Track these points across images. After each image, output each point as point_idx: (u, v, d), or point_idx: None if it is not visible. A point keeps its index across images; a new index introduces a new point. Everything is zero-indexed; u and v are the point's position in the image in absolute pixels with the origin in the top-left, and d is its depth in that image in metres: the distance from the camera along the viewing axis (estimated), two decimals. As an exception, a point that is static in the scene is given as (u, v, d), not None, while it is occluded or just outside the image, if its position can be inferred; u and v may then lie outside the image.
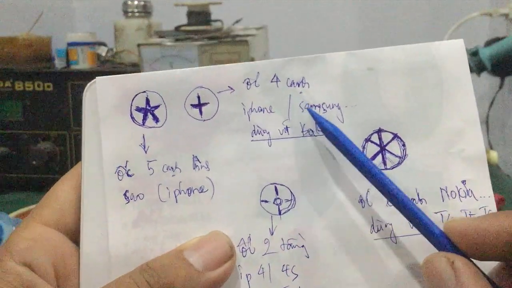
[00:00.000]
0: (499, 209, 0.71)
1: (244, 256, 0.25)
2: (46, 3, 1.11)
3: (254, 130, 0.25)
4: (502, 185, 0.78)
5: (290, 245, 0.25)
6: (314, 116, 0.25)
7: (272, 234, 0.25)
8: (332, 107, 0.25)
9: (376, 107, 0.25)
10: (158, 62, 0.78)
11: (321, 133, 0.25)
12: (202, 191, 0.25)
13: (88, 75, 0.82)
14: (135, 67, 0.83)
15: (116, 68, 0.85)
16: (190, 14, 0.83)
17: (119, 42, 0.93)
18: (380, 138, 0.25)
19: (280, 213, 0.25)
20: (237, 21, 0.89)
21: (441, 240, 0.22)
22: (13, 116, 0.83)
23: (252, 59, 0.78)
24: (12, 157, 0.83)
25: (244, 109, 0.25)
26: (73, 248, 0.25)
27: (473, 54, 0.86)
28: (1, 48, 0.85)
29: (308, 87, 0.25)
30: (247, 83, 0.25)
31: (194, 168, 0.25)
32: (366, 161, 0.23)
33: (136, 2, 0.94)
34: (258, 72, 0.25)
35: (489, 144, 1.05)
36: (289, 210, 0.25)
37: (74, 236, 0.25)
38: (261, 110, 0.25)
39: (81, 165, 0.26)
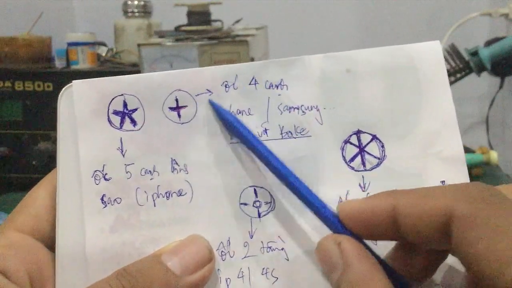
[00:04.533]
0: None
1: (223, 260, 0.24)
2: (46, 3, 1.11)
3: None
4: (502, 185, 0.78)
5: (270, 248, 0.25)
6: (214, 106, 0.25)
7: (251, 237, 0.25)
8: (311, 109, 0.25)
9: (355, 109, 0.25)
10: (158, 62, 0.78)
11: (300, 135, 0.25)
12: (180, 195, 0.25)
13: (88, 75, 0.82)
14: (135, 67, 0.83)
15: (116, 68, 0.85)
16: (190, 14, 0.83)
17: (119, 42, 0.93)
18: (359, 140, 0.25)
19: (259, 216, 0.25)
20: (237, 21, 0.89)
21: (333, 223, 0.22)
22: (13, 116, 0.83)
23: (252, 59, 0.78)
24: (12, 157, 0.83)
25: None
26: (49, 255, 0.25)
27: (473, 54, 0.86)
28: (1, 48, 0.85)
29: (287, 89, 0.25)
30: (226, 86, 0.25)
31: (172, 171, 0.25)
32: (262, 149, 0.24)
33: (136, 2, 0.94)
34: (236, 75, 0.25)
35: (489, 144, 1.04)
36: (268, 212, 0.25)
37: (50, 243, 0.25)
38: (240, 112, 0.25)
39: (56, 172, 0.25)
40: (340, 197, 0.25)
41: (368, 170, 0.25)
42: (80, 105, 0.25)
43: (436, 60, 0.25)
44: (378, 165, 0.25)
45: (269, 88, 0.25)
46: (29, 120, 0.83)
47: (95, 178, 0.24)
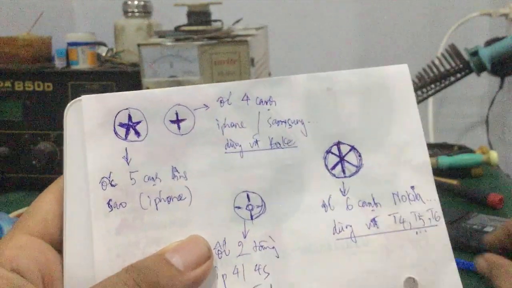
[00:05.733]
0: (499, 209, 0.71)
1: (220, 258, 0.27)
2: (46, 3, 1.11)
3: (227, 143, 0.28)
4: (502, 185, 0.78)
5: (262, 246, 0.27)
6: None
7: (245, 237, 0.27)
8: (297, 123, 0.28)
9: (335, 123, 0.28)
10: (158, 62, 0.78)
11: (287, 146, 0.28)
12: (180, 199, 0.27)
13: (88, 75, 0.82)
14: (135, 67, 0.83)
15: (116, 68, 0.85)
16: (190, 14, 0.83)
17: (119, 42, 0.93)
18: (339, 150, 0.28)
19: (252, 218, 0.27)
20: (237, 21, 0.89)
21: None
22: (13, 116, 0.83)
23: (252, 59, 0.78)
24: (12, 157, 0.83)
25: (218, 124, 0.28)
26: (57, 256, 0.27)
27: (473, 54, 0.86)
28: (1, 48, 0.85)
29: (275, 105, 0.28)
30: (221, 101, 0.28)
31: (173, 178, 0.27)
32: None
33: (136, 2, 0.94)
34: (230, 92, 0.28)
35: (489, 144, 1.05)
36: (260, 215, 0.28)
37: (58, 245, 0.27)
38: (233, 125, 0.28)
39: (62, 178, 0.27)
40: (323, 200, 0.28)
41: (347, 176, 0.28)
42: (88, 118, 0.27)
43: (404, 81, 0.29)
44: (356, 172, 0.28)
45: (260, 104, 0.28)
46: (29, 120, 0.83)
47: (102, 184, 0.27)
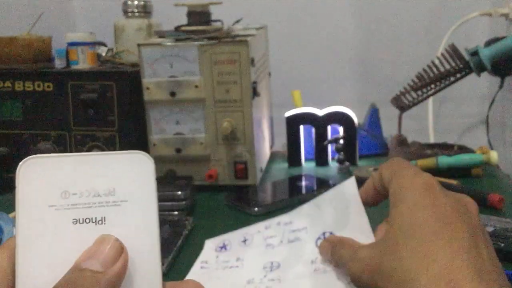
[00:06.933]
0: (499, 209, 0.70)
1: (251, 283, 0.48)
2: (46, 3, 1.11)
3: (267, 245, 0.52)
4: (502, 185, 0.78)
5: (273, 281, 0.48)
6: None
7: (265, 276, 0.49)
8: (302, 229, 0.51)
9: (321, 222, 0.49)
10: (158, 62, 0.78)
11: (297, 240, 0.51)
12: (237, 267, 0.52)
13: (88, 75, 0.82)
14: (135, 67, 0.83)
15: (116, 68, 0.85)
16: (190, 14, 0.83)
17: (119, 42, 0.93)
18: (324, 235, 0.48)
19: (271, 270, 0.49)
20: (237, 21, 0.89)
21: None
22: (13, 116, 0.83)
23: (252, 59, 0.78)
24: (12, 157, 0.83)
25: (264, 238, 0.53)
26: None
27: (473, 54, 0.86)
28: (1, 48, 0.85)
29: (291, 224, 0.52)
30: (266, 228, 0.55)
31: (236, 261, 0.53)
32: None
33: (136, 2, 0.94)
34: (274, 223, 0.54)
35: (489, 144, 1.05)
36: (276, 269, 0.50)
37: None
38: (271, 237, 0.53)
39: (13, 239, 0.28)
40: (312, 260, 0.47)
41: None
42: (208, 247, 0.57)
43: (353, 189, 0.47)
44: None
45: (285, 225, 0.53)
46: (29, 120, 0.83)
47: (201, 267, 0.55)
